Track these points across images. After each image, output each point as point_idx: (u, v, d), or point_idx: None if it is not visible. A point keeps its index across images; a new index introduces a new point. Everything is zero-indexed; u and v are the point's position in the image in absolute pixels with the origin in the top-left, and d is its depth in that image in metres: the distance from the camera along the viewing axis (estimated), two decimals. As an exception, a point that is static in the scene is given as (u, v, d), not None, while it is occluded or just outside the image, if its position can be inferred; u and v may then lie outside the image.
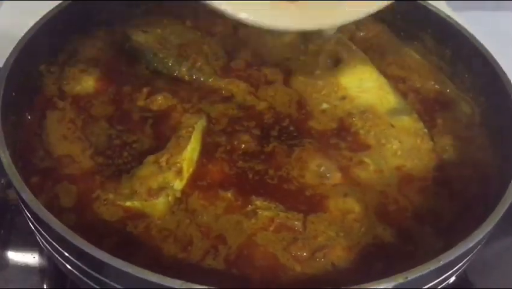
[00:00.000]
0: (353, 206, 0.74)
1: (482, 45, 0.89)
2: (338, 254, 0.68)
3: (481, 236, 0.62)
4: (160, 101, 0.86)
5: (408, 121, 0.88)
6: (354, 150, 0.83)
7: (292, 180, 0.77)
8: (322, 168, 0.79)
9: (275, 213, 0.71)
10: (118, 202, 0.71)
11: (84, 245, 0.58)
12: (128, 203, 0.70)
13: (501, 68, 0.85)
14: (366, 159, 0.82)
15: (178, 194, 0.72)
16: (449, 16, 0.96)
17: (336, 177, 0.79)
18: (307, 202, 0.74)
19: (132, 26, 0.99)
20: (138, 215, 0.70)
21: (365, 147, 0.84)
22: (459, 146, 0.86)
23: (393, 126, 0.87)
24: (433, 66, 0.99)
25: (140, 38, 0.95)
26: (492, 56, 0.87)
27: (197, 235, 0.69)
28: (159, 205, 0.70)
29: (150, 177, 0.72)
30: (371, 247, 0.70)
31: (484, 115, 0.90)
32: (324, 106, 0.90)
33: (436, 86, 0.95)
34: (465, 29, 0.93)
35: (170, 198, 0.71)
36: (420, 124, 0.87)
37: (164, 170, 0.72)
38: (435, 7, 0.98)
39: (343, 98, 0.91)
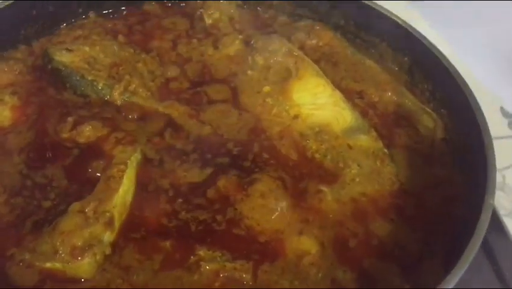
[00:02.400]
0: (310, 246, 0.68)
1: (442, 54, 0.85)
2: None
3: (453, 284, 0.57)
4: (88, 132, 0.77)
5: (366, 141, 0.82)
6: (310, 178, 0.76)
7: (241, 223, 0.69)
8: (274, 204, 0.71)
9: (221, 265, 0.64)
10: (37, 263, 0.62)
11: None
12: (48, 264, 0.62)
13: (463, 79, 0.81)
14: (323, 188, 0.75)
15: (108, 251, 0.64)
16: (405, 22, 0.91)
17: (290, 212, 0.71)
18: (258, 247, 0.67)
19: (54, 43, 0.88)
20: (60, 278, 0.61)
21: (322, 173, 0.77)
22: (421, 165, 0.80)
23: (350, 147, 0.81)
24: (391, 75, 0.94)
25: (64, 58, 0.84)
26: (453, 66, 0.83)
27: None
28: (85, 266, 0.62)
29: (75, 232, 0.63)
30: None
31: (447, 130, 0.85)
32: (276, 128, 0.83)
33: (394, 97, 0.90)
34: (425, 37, 0.88)
35: (98, 257, 0.62)
36: (380, 144, 0.82)
37: (90, 223, 0.64)
38: (390, 12, 0.92)
39: (296, 117, 0.85)
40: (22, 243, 0.64)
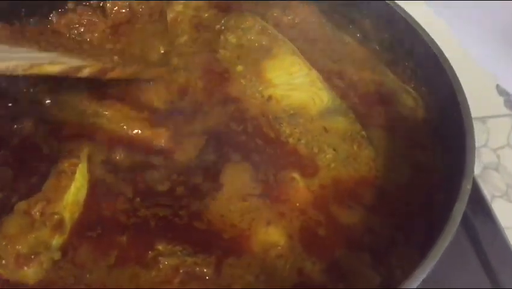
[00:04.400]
0: (277, 237, 0.64)
1: (425, 31, 0.81)
2: None
3: (424, 275, 0.53)
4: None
5: (343, 123, 0.79)
6: (282, 164, 0.72)
7: (204, 215, 0.65)
8: (242, 192, 0.67)
9: (181, 260, 0.61)
10: None
11: None
12: None
13: (445, 56, 0.77)
14: (295, 175, 0.70)
15: (57, 256, 0.60)
16: None
17: (259, 200, 0.67)
18: (222, 240, 0.64)
19: None
20: (4, 284, 0.58)
21: (295, 160, 0.73)
22: (401, 147, 0.77)
23: (326, 130, 0.77)
24: (371, 53, 0.90)
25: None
26: (434, 43, 0.79)
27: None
28: (30, 274, 0.58)
29: (19, 236, 0.59)
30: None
31: (428, 110, 0.81)
32: (249, 112, 0.79)
33: (374, 76, 0.86)
34: (407, 13, 0.83)
35: (45, 265, 0.59)
36: (357, 126, 0.78)
37: (37, 226, 0.60)
38: None
39: (270, 98, 0.81)
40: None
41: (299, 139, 0.75)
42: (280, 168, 0.72)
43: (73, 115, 0.75)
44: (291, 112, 0.79)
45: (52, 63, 0.68)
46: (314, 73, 0.83)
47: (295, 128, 0.77)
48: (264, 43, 0.85)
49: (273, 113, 0.78)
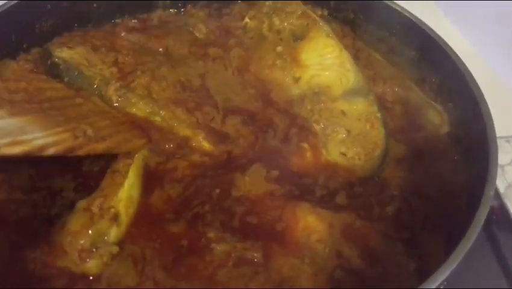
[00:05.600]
0: (317, 224, 0.68)
1: (449, 47, 0.85)
2: (304, 285, 0.63)
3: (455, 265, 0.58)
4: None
5: (363, 104, 0.84)
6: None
7: (244, 202, 0.70)
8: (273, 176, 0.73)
9: (232, 246, 0.66)
10: (49, 261, 0.63)
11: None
12: (59, 264, 0.63)
13: (470, 73, 0.81)
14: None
15: (115, 250, 0.65)
16: (412, 14, 0.92)
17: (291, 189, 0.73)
18: (268, 226, 0.68)
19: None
20: (70, 276, 0.63)
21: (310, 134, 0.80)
22: (423, 159, 0.81)
23: (344, 113, 0.83)
24: (399, 70, 0.94)
25: (64, 53, 0.86)
26: (460, 60, 0.83)
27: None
28: (93, 267, 0.63)
29: (81, 232, 0.64)
30: (337, 271, 0.65)
31: (453, 124, 0.85)
32: (276, 91, 0.85)
33: (401, 92, 0.90)
34: (433, 30, 0.88)
35: (105, 258, 0.64)
36: (375, 108, 0.84)
37: (96, 220, 0.65)
38: (399, 6, 0.93)
39: (298, 79, 0.87)
40: (35, 242, 0.65)
41: (313, 115, 0.81)
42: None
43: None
44: (317, 90, 0.84)
45: (13, 143, 0.64)
46: (345, 54, 0.88)
47: (316, 105, 0.82)
48: (303, 26, 0.91)
49: (300, 91, 0.84)
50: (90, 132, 0.71)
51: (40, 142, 0.66)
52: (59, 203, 0.69)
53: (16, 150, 0.64)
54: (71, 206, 0.67)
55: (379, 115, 0.82)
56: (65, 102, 0.76)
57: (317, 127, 0.80)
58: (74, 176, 0.71)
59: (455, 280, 0.60)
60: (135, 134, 0.75)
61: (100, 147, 0.71)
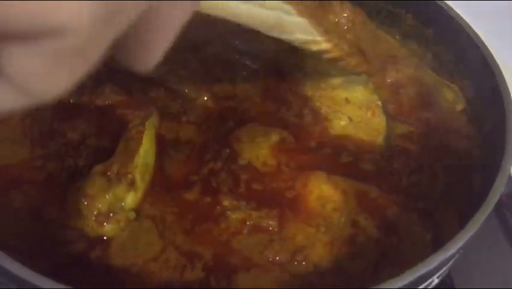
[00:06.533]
0: (332, 193, 0.69)
1: (466, 23, 0.84)
2: (319, 253, 0.64)
3: (471, 234, 0.59)
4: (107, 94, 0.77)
5: (363, 92, 0.84)
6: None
7: (259, 170, 0.71)
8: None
9: (247, 213, 0.66)
10: (66, 222, 0.64)
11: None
12: (77, 226, 0.64)
13: (487, 47, 0.80)
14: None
15: (132, 216, 0.65)
16: None
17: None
18: (282, 195, 0.69)
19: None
20: (87, 238, 0.64)
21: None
22: (438, 137, 0.81)
23: (348, 101, 0.82)
24: (411, 50, 0.93)
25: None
26: (478, 37, 0.82)
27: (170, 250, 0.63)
28: (109, 231, 0.64)
29: (99, 195, 0.64)
30: (353, 239, 0.66)
31: (468, 101, 0.85)
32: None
33: (413, 72, 0.89)
34: (450, 7, 0.87)
35: (122, 223, 0.64)
36: (375, 97, 0.84)
37: (113, 185, 0.65)
38: None
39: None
40: (52, 201, 0.66)
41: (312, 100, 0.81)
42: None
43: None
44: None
45: (313, 42, 0.64)
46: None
47: (316, 92, 0.82)
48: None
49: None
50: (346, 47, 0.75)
51: (323, 46, 0.67)
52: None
53: (314, 48, 0.65)
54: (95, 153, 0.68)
55: (379, 103, 0.83)
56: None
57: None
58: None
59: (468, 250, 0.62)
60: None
61: (353, 61, 0.74)
